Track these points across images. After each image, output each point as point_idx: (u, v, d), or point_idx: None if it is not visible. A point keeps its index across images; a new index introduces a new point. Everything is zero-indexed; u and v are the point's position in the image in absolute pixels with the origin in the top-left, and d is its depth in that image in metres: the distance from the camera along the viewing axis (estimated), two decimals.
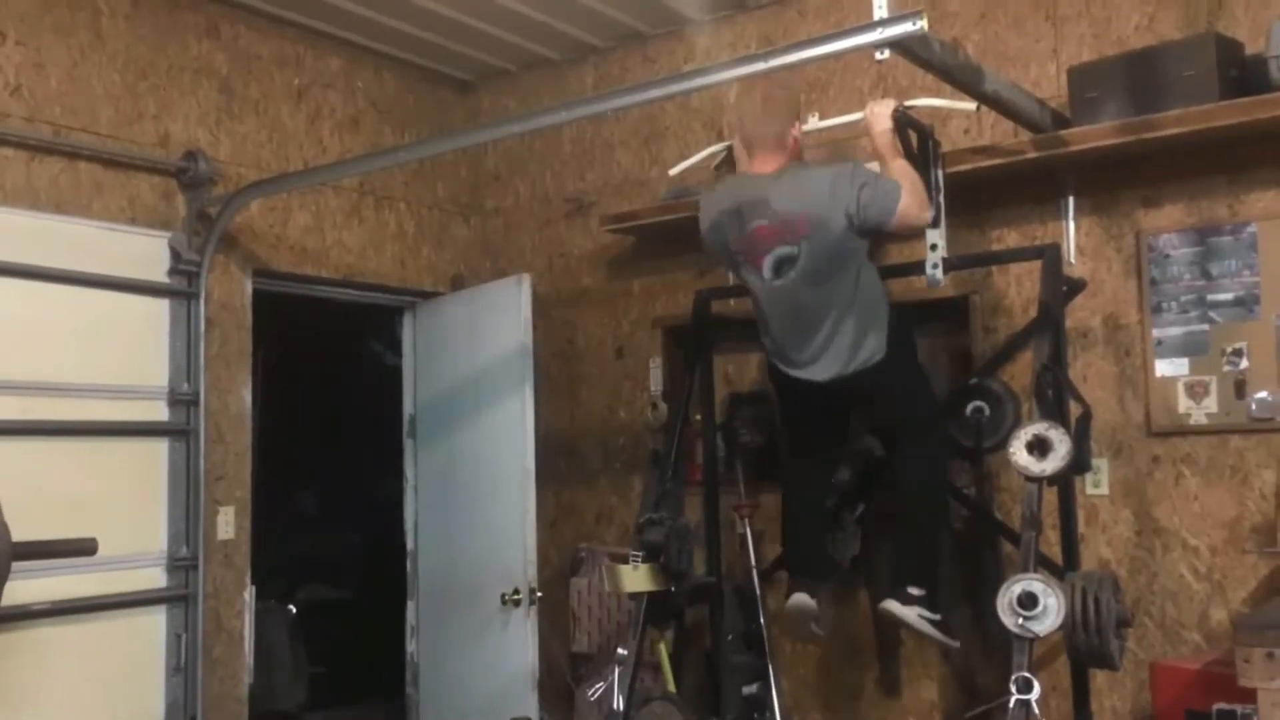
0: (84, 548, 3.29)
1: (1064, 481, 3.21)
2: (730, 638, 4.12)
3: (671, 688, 4.07)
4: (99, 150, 3.93)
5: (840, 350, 3.34)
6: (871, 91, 4.21)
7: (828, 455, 3.71)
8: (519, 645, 4.44)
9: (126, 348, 3.94)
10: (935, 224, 3.46)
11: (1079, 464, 3.04)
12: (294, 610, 5.86)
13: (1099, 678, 3.52)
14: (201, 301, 4.10)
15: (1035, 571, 2.81)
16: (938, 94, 3.53)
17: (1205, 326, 3.58)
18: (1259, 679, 2.53)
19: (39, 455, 3.65)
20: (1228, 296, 3.55)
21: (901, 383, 3.48)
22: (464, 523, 4.82)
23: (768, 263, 3.32)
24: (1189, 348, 3.60)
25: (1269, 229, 3.49)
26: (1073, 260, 3.79)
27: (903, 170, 3.30)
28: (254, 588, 4.32)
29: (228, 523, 4.23)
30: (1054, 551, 3.39)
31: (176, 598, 3.98)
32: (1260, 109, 3.26)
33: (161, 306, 4.06)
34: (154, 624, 3.95)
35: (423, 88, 5.22)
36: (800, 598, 3.51)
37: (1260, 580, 3.44)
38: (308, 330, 6.00)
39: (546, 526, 4.86)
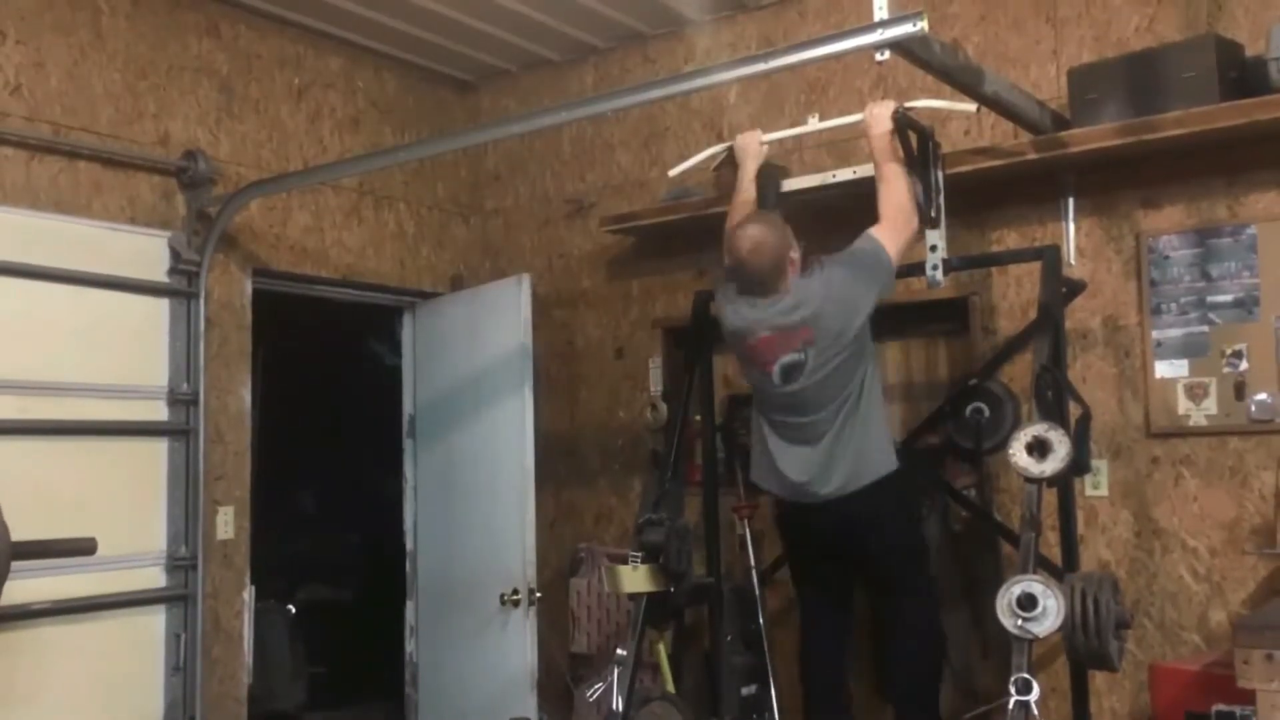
0: (83, 547, 3.29)
1: (1063, 483, 3.21)
2: (729, 638, 4.11)
3: (671, 688, 4.07)
4: (99, 150, 3.93)
5: (842, 467, 3.27)
6: (871, 92, 4.21)
7: (840, 601, 3.63)
8: (518, 646, 4.44)
9: (126, 347, 3.94)
10: (935, 225, 3.46)
11: (1079, 465, 3.04)
12: (293, 610, 5.87)
13: (1098, 679, 3.52)
14: (201, 301, 4.10)
15: (1035, 573, 2.81)
16: (938, 95, 3.53)
17: (1205, 328, 3.58)
18: (1258, 680, 2.53)
19: (39, 455, 3.64)
20: (1227, 298, 3.55)
21: (897, 529, 3.42)
22: (463, 523, 4.82)
23: (776, 371, 3.31)
24: (1189, 349, 3.60)
25: (1269, 230, 3.49)
26: (1072, 261, 3.79)
27: (893, 176, 3.31)
28: (253, 588, 4.32)
29: (227, 522, 4.23)
30: (1053, 553, 3.39)
31: (176, 597, 3.97)
32: (1260, 110, 3.26)
33: (161, 306, 4.06)
34: (153, 624, 3.94)
35: (423, 88, 5.22)
36: None
37: (1259, 581, 3.44)
38: (307, 330, 6.00)
39: (546, 527, 4.86)
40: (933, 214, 3.45)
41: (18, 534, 3.05)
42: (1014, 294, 3.94)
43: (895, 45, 2.77)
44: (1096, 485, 3.72)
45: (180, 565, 3.98)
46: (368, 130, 4.93)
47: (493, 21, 4.70)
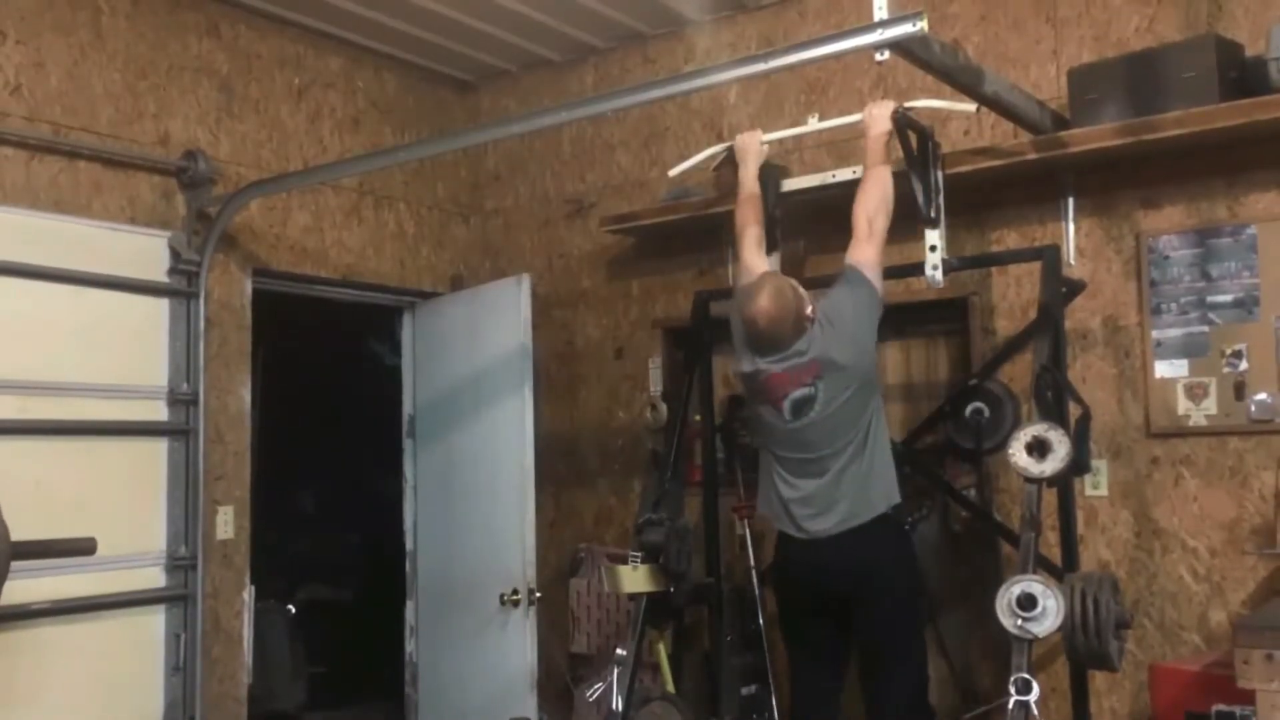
0: (83, 547, 3.29)
1: (1063, 483, 3.21)
2: (729, 638, 4.12)
3: (671, 688, 4.06)
4: (99, 150, 3.93)
5: (845, 502, 3.22)
6: (872, 92, 4.21)
7: (832, 665, 3.49)
8: (518, 646, 4.44)
9: (126, 347, 3.94)
10: (935, 225, 3.46)
11: (1078, 465, 3.04)
12: (293, 610, 5.87)
13: (1098, 679, 3.52)
14: (201, 301, 4.10)
15: (1034, 573, 2.81)
16: (938, 95, 3.53)
17: (1205, 328, 3.58)
18: (1258, 680, 2.53)
19: (38, 455, 3.64)
20: (1227, 298, 3.55)
21: (896, 572, 3.32)
22: (463, 523, 4.82)
23: (787, 406, 3.26)
24: (1189, 349, 3.60)
25: (1268, 230, 3.49)
26: (1072, 261, 3.79)
27: (874, 179, 3.31)
28: (253, 588, 4.32)
29: (227, 522, 4.23)
30: (1053, 553, 3.39)
31: (176, 597, 3.97)
32: (1260, 111, 3.26)
33: (161, 306, 4.06)
34: (153, 624, 3.94)
35: (423, 88, 5.23)
36: None
37: (1259, 581, 3.44)
38: (308, 330, 6.00)
39: (546, 527, 4.86)
40: (932, 214, 3.45)
41: (18, 534, 3.05)
42: (1014, 294, 3.94)
43: (895, 45, 2.77)
44: (1096, 485, 3.72)
45: (180, 565, 3.98)
46: (368, 130, 4.93)
47: (493, 21, 4.70)
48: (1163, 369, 3.64)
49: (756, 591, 4.21)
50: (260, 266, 4.44)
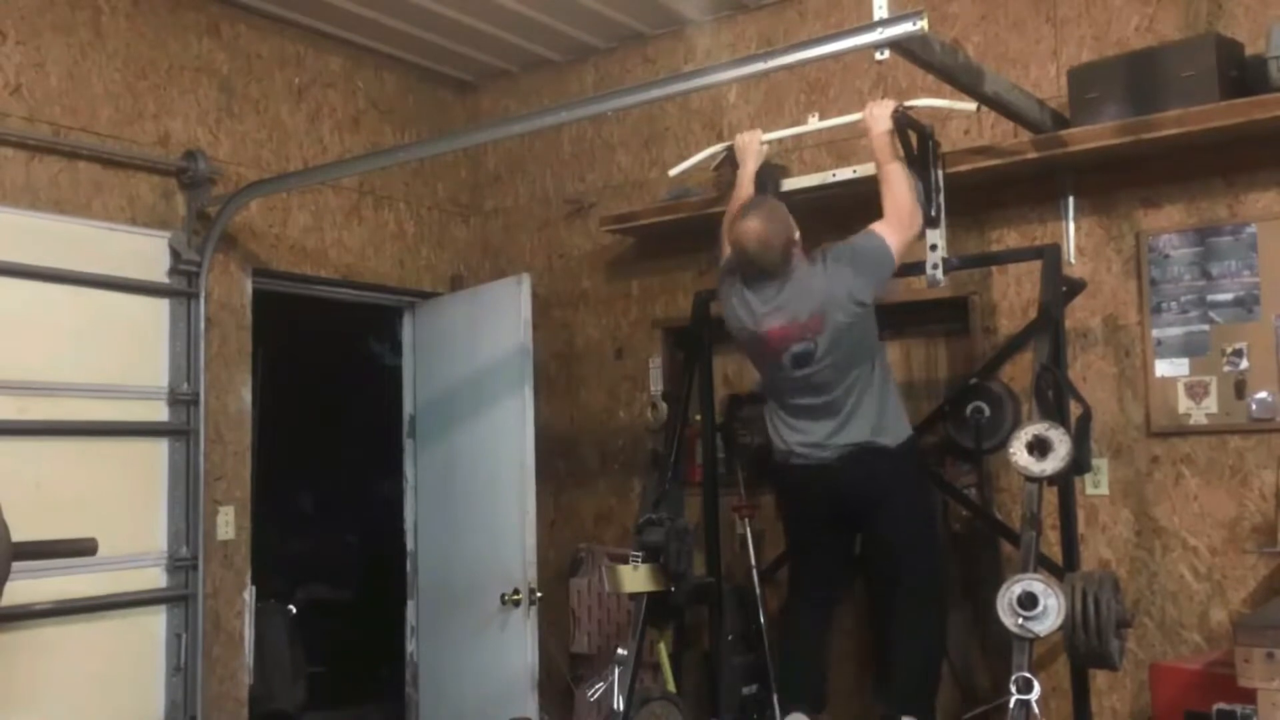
0: (84, 548, 3.29)
1: (1064, 482, 3.21)
2: (730, 638, 4.12)
3: (671, 688, 4.06)
4: (99, 150, 3.93)
5: (861, 424, 3.35)
6: (872, 92, 4.21)
7: (830, 592, 3.67)
8: (518, 646, 4.44)
9: (126, 348, 3.94)
10: (935, 224, 3.46)
11: (1079, 464, 3.04)
12: (294, 610, 5.86)
13: (1099, 678, 3.52)
14: (201, 301, 4.10)
15: (1035, 572, 2.81)
16: (938, 95, 3.54)
17: (1205, 327, 3.58)
18: (1259, 679, 2.53)
19: (39, 455, 3.64)
20: (1227, 297, 3.55)
21: (907, 497, 3.46)
22: (464, 523, 4.82)
23: (787, 358, 3.35)
24: (1189, 348, 3.60)
25: (1268, 229, 3.49)
26: (1072, 261, 3.79)
27: (895, 175, 3.33)
28: (254, 588, 4.32)
29: (227, 523, 4.23)
30: (1054, 552, 3.39)
31: (176, 598, 3.97)
32: (1260, 110, 3.26)
33: (161, 306, 4.06)
34: (154, 624, 3.94)
35: (423, 88, 5.23)
36: (798, 718, 3.50)
37: (1260, 580, 3.44)
38: (308, 330, 6.00)
39: (546, 527, 4.86)
40: (932, 213, 3.46)
41: (18, 534, 3.05)
42: (1014, 293, 3.94)
43: (895, 45, 2.77)
44: (1097, 484, 3.72)
45: (181, 565, 3.98)
46: (368, 130, 4.93)
47: (493, 21, 4.69)
48: (1163, 368, 3.64)
49: (757, 591, 4.20)
50: (260, 266, 4.44)
